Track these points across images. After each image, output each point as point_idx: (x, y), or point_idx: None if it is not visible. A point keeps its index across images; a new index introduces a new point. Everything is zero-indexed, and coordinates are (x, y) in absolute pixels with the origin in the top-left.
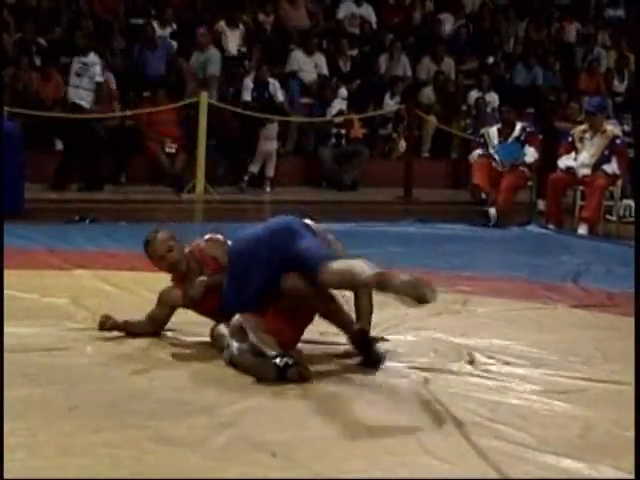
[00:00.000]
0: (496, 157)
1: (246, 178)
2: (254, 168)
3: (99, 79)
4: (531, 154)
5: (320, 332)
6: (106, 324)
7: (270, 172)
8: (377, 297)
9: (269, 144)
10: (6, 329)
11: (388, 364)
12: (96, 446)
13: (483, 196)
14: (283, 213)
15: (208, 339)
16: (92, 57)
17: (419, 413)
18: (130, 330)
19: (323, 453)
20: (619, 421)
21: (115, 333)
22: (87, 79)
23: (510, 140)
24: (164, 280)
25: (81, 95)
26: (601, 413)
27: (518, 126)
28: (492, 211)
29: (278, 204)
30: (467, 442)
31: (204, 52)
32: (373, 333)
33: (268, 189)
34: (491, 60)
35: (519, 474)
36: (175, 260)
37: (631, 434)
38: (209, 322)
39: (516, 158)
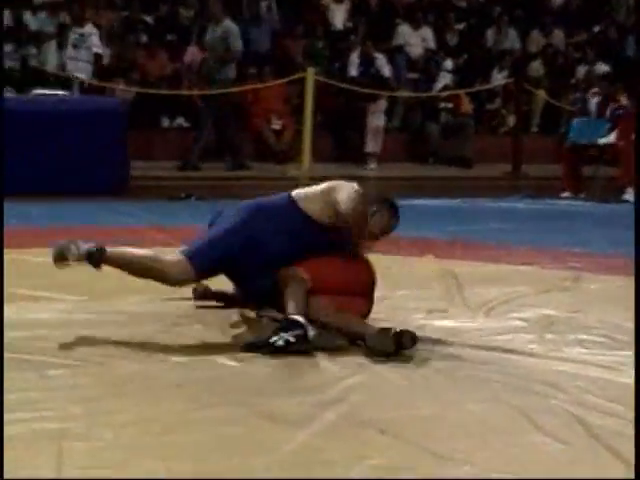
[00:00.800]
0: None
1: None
2: (370, 147)
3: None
4: (610, 137)
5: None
6: None
7: (376, 148)
8: (486, 274)
9: (377, 119)
10: (117, 306)
11: (496, 341)
12: (203, 423)
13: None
14: (386, 189)
15: None
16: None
17: (526, 392)
18: None
19: (432, 431)
20: None
21: (224, 312)
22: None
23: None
24: None
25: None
26: None
27: (612, 105)
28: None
29: (384, 180)
30: (577, 421)
31: (218, 25)
32: (482, 310)
33: (373, 165)
34: (601, 30)
35: (630, 453)
36: None
37: None
38: None
39: (592, 139)
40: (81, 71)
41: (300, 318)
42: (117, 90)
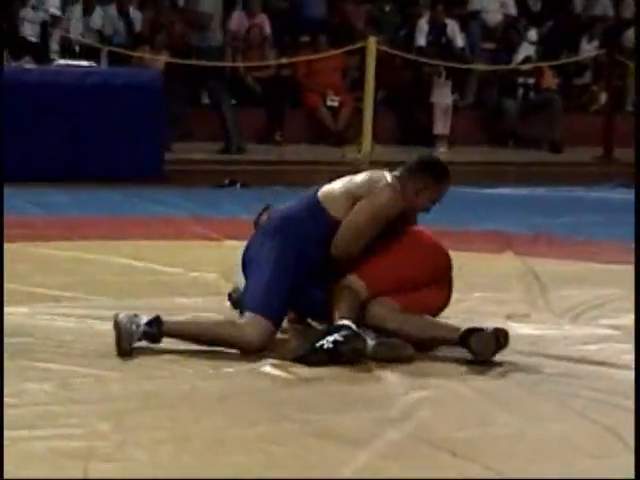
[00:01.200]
0: None
1: None
2: (440, 129)
3: None
4: None
5: None
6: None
7: (446, 129)
8: (573, 274)
9: (445, 97)
10: (146, 305)
11: (584, 351)
12: (251, 441)
13: None
14: (458, 175)
15: None
16: None
17: (617, 409)
18: None
19: (510, 453)
20: None
21: None
22: None
23: None
24: None
25: None
26: None
27: None
28: None
29: (455, 165)
30: None
31: None
32: (568, 315)
33: (442, 149)
34: None
35: None
36: None
37: None
38: None
39: None
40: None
41: (347, 322)
42: (148, 60)
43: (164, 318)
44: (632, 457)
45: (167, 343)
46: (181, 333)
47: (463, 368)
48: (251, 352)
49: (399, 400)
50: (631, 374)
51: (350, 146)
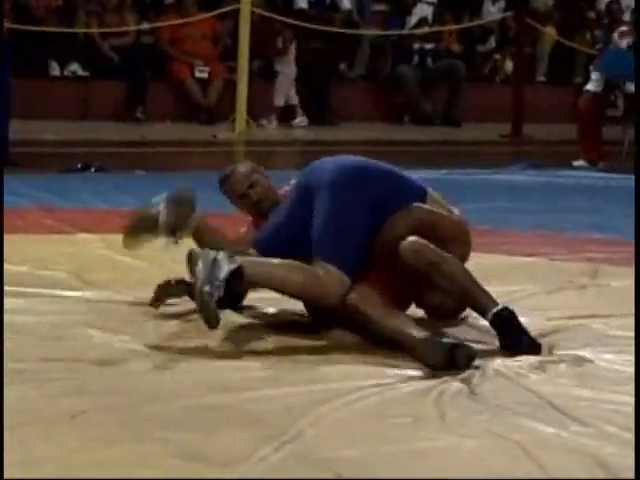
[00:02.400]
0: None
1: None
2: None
3: None
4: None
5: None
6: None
7: (281, 101)
8: (477, 268)
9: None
10: None
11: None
12: (107, 464)
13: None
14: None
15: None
16: None
17: (526, 420)
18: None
19: (404, 473)
20: None
21: (132, 313)
22: None
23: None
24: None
25: None
26: None
27: None
28: None
29: (345, 145)
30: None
31: None
32: (470, 317)
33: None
34: None
35: None
36: (258, 198)
37: None
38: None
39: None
40: None
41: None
42: None
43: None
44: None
45: (14, 359)
46: (264, 281)
47: (369, 382)
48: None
49: (286, 416)
50: (541, 386)
51: (222, 124)
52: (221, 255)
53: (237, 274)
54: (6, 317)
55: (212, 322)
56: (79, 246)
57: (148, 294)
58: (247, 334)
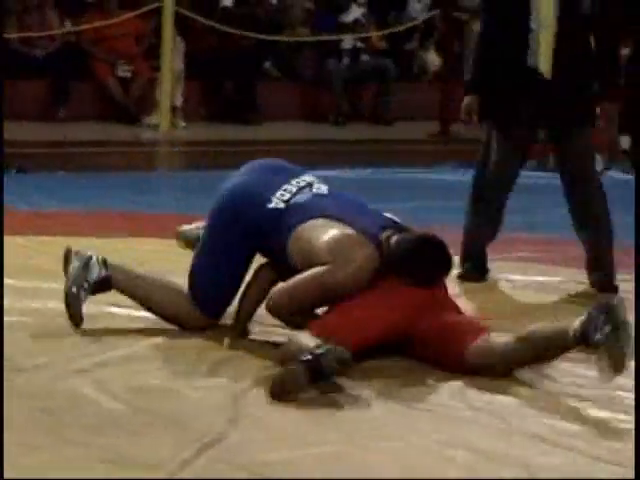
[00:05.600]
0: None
1: None
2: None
3: None
4: None
5: None
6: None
7: (179, 100)
8: None
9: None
10: None
11: None
12: (32, 469)
13: None
14: (274, 156)
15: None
16: None
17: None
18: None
19: (326, 475)
20: None
21: (53, 318)
22: None
23: None
24: (118, 250)
25: None
26: None
27: None
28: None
29: (271, 144)
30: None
31: None
32: None
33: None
34: None
35: None
36: None
37: None
38: None
39: None
40: None
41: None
42: None
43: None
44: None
45: None
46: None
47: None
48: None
49: (210, 418)
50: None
51: (146, 123)
52: (94, 259)
53: (105, 282)
54: None
55: (76, 320)
56: None
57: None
58: (168, 339)
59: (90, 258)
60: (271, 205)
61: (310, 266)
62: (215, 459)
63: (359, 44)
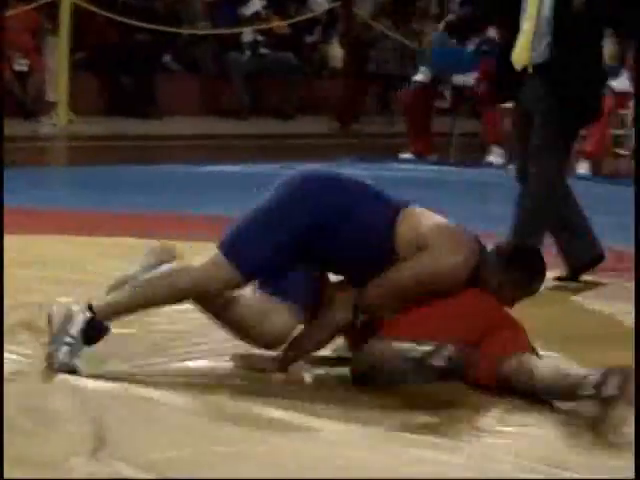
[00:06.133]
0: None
1: None
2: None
3: None
4: (469, 78)
5: None
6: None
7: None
8: None
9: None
10: None
11: None
12: None
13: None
14: (170, 152)
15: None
16: None
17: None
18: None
19: (211, 473)
20: None
21: None
22: None
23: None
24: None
25: None
26: None
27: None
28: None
29: (173, 139)
30: None
31: None
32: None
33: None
34: None
35: None
36: None
37: None
38: None
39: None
40: None
41: None
42: None
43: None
44: None
45: None
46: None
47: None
48: None
49: (106, 418)
50: None
51: (44, 118)
52: (75, 308)
53: (92, 323)
54: None
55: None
56: None
57: None
58: None
59: (70, 309)
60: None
61: (418, 247)
62: (110, 456)
63: (259, 37)
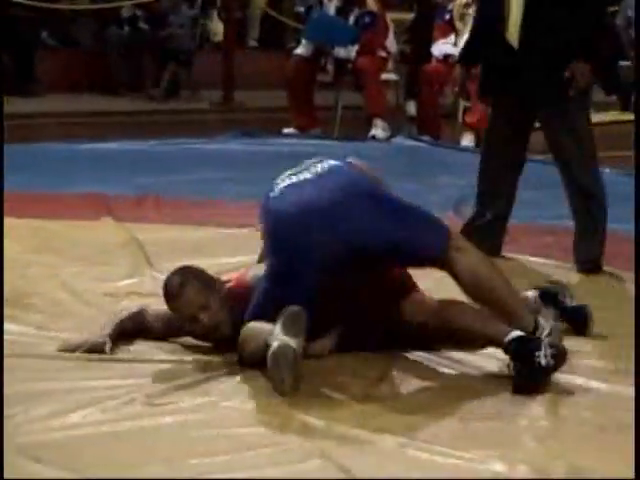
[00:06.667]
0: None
1: None
2: None
3: None
4: (351, 51)
5: None
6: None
7: None
8: (187, 242)
9: None
10: None
11: None
12: None
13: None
14: (50, 130)
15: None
16: None
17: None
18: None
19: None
20: None
21: None
22: None
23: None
24: None
25: None
26: None
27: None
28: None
29: (54, 117)
30: None
31: None
32: None
33: None
34: None
35: None
36: (212, 325)
37: None
38: None
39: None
40: None
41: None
42: None
43: None
44: None
45: None
46: None
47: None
48: None
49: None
50: None
51: None
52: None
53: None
54: None
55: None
56: None
57: None
58: None
59: None
60: None
61: None
62: None
63: (138, 12)
